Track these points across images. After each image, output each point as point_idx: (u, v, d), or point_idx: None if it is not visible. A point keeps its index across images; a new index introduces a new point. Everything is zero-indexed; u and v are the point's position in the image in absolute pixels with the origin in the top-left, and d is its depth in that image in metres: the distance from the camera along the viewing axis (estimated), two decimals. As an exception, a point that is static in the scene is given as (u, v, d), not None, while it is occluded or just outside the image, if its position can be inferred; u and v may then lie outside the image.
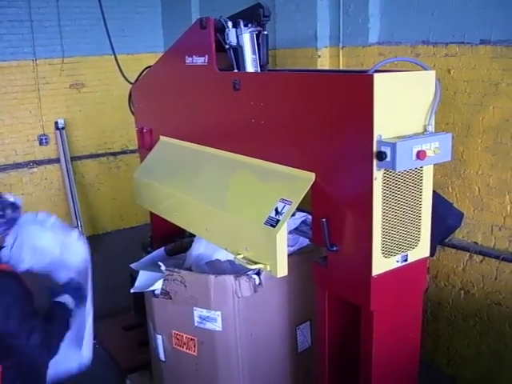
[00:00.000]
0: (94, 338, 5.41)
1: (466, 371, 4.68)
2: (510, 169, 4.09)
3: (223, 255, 3.82)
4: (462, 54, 4.27)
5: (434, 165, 2.81)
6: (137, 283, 3.93)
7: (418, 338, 3.16)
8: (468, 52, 4.22)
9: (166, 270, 3.68)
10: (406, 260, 2.84)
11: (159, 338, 3.90)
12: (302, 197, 2.90)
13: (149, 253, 4.41)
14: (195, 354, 3.68)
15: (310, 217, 3.25)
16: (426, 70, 2.74)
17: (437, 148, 2.60)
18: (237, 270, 3.53)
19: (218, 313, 3.52)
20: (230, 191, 3.38)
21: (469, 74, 4.24)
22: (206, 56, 3.58)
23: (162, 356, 3.94)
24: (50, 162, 8.06)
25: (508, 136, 4.05)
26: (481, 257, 4.39)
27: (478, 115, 4.22)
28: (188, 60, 3.76)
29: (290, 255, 3.01)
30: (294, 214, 3.70)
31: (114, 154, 8.54)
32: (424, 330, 3.32)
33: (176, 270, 3.66)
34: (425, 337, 3.43)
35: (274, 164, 3.15)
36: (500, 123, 4.09)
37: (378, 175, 2.58)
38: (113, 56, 5.07)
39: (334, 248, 2.85)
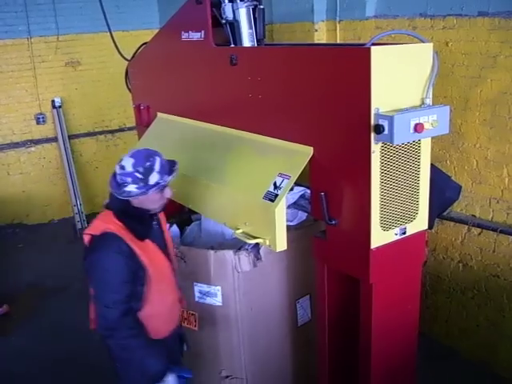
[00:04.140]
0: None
1: (465, 343, 4.73)
2: (508, 142, 4.09)
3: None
4: (459, 27, 4.24)
5: (432, 138, 2.80)
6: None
7: (416, 311, 3.18)
8: (466, 24, 4.20)
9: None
10: (404, 233, 2.85)
11: (160, 313, 3.92)
12: (301, 171, 2.90)
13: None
14: (196, 328, 3.71)
15: (308, 191, 3.25)
16: (423, 42, 2.71)
17: (434, 121, 2.59)
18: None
19: (218, 288, 3.54)
20: (228, 166, 3.38)
21: (467, 46, 4.22)
22: (202, 31, 3.55)
23: (163, 331, 3.97)
24: (47, 140, 8.07)
25: (506, 109, 4.05)
26: (479, 229, 4.42)
27: (475, 88, 4.21)
28: (184, 36, 3.73)
29: (289, 230, 3.01)
30: (292, 189, 3.70)
31: (111, 132, 8.54)
32: (423, 302, 3.35)
33: (175, 245, 3.68)
34: (423, 309, 3.46)
35: (272, 139, 3.14)
36: (498, 96, 4.09)
37: (375, 148, 2.57)
38: (108, 33, 5.03)
39: (333, 222, 2.86)
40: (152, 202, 2.93)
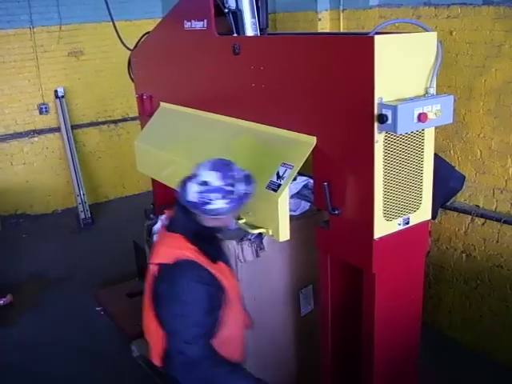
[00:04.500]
0: (99, 306, 5.51)
1: (467, 333, 4.73)
2: (512, 131, 4.08)
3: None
4: (464, 16, 4.22)
5: (436, 128, 2.79)
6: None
7: (419, 301, 3.18)
8: (470, 13, 4.17)
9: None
10: (407, 223, 2.85)
11: (163, 303, 3.93)
12: (304, 161, 2.89)
13: (151, 220, 4.41)
14: (199, 318, 3.71)
15: (311, 181, 3.25)
16: (427, 31, 2.70)
17: (438, 110, 2.58)
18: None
19: (221, 278, 3.54)
20: (231, 156, 3.36)
21: (471, 35, 4.20)
22: (205, 20, 3.54)
23: (166, 321, 3.97)
24: (50, 130, 8.07)
25: (510, 98, 4.03)
26: (482, 220, 4.41)
27: (480, 77, 4.19)
28: (187, 25, 3.72)
29: (292, 219, 3.01)
30: (295, 179, 3.69)
31: (114, 122, 8.53)
32: (426, 292, 3.35)
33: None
34: (427, 299, 3.46)
35: (275, 128, 3.13)
36: (502, 85, 4.06)
37: (379, 138, 2.56)
38: (111, 23, 5.01)
39: (336, 212, 2.85)
40: (232, 218, 2.70)
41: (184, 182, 2.61)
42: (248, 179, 2.64)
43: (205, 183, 2.52)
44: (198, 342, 2.55)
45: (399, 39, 2.56)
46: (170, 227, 2.72)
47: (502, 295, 4.40)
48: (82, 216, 7.80)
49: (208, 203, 2.51)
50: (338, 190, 2.83)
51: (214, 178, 2.52)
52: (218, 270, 2.63)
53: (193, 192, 2.53)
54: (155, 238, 3.36)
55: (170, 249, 2.62)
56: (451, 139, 4.49)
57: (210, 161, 2.62)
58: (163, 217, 2.90)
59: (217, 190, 2.50)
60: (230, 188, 2.52)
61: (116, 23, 5.03)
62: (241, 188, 2.56)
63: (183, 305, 2.53)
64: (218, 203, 2.51)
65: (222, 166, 2.58)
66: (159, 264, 2.60)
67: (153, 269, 2.63)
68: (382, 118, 2.47)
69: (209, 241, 2.69)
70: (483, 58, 4.14)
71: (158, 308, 2.64)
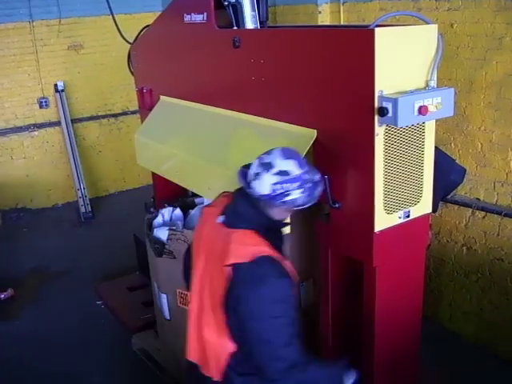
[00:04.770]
0: (99, 299, 5.52)
1: (468, 326, 4.73)
2: (513, 124, 4.07)
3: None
4: (465, 8, 4.20)
5: (437, 121, 2.79)
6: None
7: (420, 294, 3.17)
8: (471, 5, 4.16)
9: (169, 229, 3.69)
10: (408, 216, 2.84)
11: (164, 297, 3.94)
12: (304, 154, 2.88)
13: (151, 213, 4.41)
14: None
15: (311, 175, 3.25)
16: (428, 24, 2.69)
17: (439, 103, 2.57)
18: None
19: (222, 271, 3.53)
20: (231, 149, 3.37)
21: (472, 28, 4.18)
22: (205, 13, 3.53)
23: (166, 315, 3.99)
24: (50, 124, 8.05)
25: (511, 91, 4.02)
26: (483, 213, 4.41)
27: (481, 70, 4.18)
28: (186, 18, 3.71)
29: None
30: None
31: (114, 116, 8.52)
32: (426, 286, 3.34)
33: (179, 229, 3.68)
34: (427, 293, 3.45)
35: (276, 121, 3.13)
36: (503, 78, 4.05)
37: (379, 131, 2.56)
38: (110, 16, 5.00)
39: (337, 205, 2.85)
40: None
41: (249, 175, 2.41)
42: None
43: (284, 173, 2.32)
44: (296, 342, 2.30)
45: (400, 32, 2.56)
46: (233, 223, 2.44)
47: (503, 288, 4.40)
48: (83, 210, 7.80)
49: (287, 194, 2.31)
50: (338, 184, 2.82)
51: (293, 167, 2.33)
52: (287, 265, 2.40)
53: (269, 184, 2.32)
54: (192, 237, 2.94)
55: (243, 246, 2.35)
56: (452, 132, 4.48)
57: (277, 149, 2.42)
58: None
59: (296, 179, 2.32)
60: (306, 176, 2.35)
61: (116, 16, 5.02)
62: (311, 176, 2.39)
63: (276, 304, 2.26)
64: (295, 194, 2.32)
65: (294, 154, 2.40)
66: (233, 264, 2.30)
67: (225, 271, 2.33)
68: (383, 111, 2.47)
69: (278, 235, 2.55)
70: (484, 51, 4.13)
71: (239, 315, 2.31)
